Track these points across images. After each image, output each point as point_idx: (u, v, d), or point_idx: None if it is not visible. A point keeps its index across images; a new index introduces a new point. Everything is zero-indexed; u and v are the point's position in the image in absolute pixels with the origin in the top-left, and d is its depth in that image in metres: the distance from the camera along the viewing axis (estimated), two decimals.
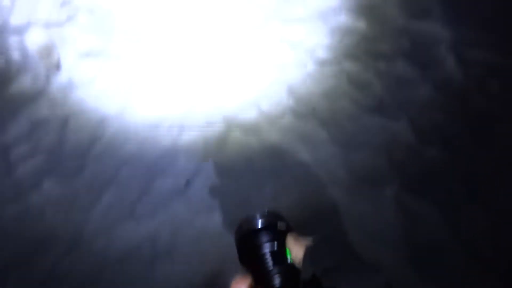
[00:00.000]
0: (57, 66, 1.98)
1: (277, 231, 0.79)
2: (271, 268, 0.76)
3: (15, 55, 2.01)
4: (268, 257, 0.76)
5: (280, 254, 0.77)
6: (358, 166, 1.74)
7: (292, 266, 0.76)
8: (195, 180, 1.71)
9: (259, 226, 0.83)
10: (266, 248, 0.77)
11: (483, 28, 2.02)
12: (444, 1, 2.11)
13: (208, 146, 1.81)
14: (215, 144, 1.80)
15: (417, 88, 1.87)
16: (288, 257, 0.76)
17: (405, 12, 2.10)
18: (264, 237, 0.78)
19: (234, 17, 2.15)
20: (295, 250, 0.77)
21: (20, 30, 2.06)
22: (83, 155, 1.74)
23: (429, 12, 2.08)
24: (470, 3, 2.11)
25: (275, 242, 0.78)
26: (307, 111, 1.87)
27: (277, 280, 0.73)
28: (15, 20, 2.10)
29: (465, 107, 1.81)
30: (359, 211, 1.65)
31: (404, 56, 1.96)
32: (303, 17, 2.13)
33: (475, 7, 2.10)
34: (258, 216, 0.83)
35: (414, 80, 1.90)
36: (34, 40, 2.04)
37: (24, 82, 1.94)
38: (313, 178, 1.74)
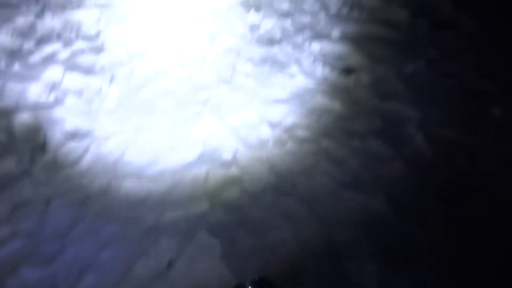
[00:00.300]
0: (43, 147, 2.02)
1: None
2: None
3: (1, 136, 2.04)
4: None
5: None
6: (339, 242, 1.77)
7: None
8: (178, 261, 1.69)
9: None
10: None
11: (447, 108, 2.20)
12: (410, 84, 2.31)
13: (191, 225, 1.82)
14: (197, 222, 1.81)
15: (390, 165, 1.97)
16: None
17: (375, 93, 2.27)
18: None
19: (216, 97, 2.28)
20: None
21: (8, 113, 2.12)
22: (64, 237, 1.72)
23: (396, 94, 2.26)
24: (433, 85, 2.31)
25: None
26: (288, 188, 1.93)
27: None
28: (3, 103, 2.16)
29: (435, 182, 1.90)
30: None
31: (377, 134, 2.09)
32: (282, 98, 2.27)
33: (438, 88, 2.30)
34: (248, 283, 0.84)
35: (386, 157, 2.00)
36: (21, 122, 2.10)
37: (8, 163, 1.95)
38: (294, 254, 1.75)
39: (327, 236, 1.77)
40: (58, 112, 2.16)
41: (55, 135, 2.07)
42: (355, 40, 2.57)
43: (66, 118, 2.14)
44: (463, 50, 2.51)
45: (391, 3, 2.81)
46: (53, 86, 2.27)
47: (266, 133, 2.12)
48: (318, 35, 2.63)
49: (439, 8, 2.78)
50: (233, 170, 1.97)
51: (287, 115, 2.20)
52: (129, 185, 1.94)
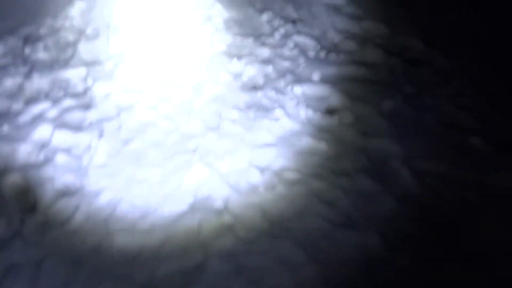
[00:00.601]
0: (33, 207, 2.01)
1: None
2: None
3: None
4: None
5: None
6: (336, 283, 1.77)
7: None
8: None
9: None
10: None
11: (428, 141, 2.28)
12: (390, 120, 2.39)
13: (186, 278, 1.80)
14: (193, 275, 1.80)
15: (380, 201, 2.01)
16: None
17: (358, 132, 2.35)
18: None
19: (204, 146, 2.32)
20: None
21: None
22: None
23: (379, 131, 2.34)
24: (413, 120, 2.40)
25: None
26: (282, 232, 1.94)
27: None
28: None
29: (425, 215, 1.94)
30: None
31: (364, 172, 2.14)
32: (269, 142, 2.33)
33: (418, 123, 2.39)
34: None
35: (376, 194, 2.04)
36: (10, 183, 2.09)
37: None
38: None
39: (324, 279, 1.77)
40: (48, 171, 2.17)
41: (45, 194, 2.07)
42: (334, 82, 2.68)
43: (56, 177, 2.14)
44: (437, 85, 2.64)
45: (366, 44, 2.96)
46: (42, 145, 2.28)
47: (256, 178, 2.15)
48: (299, 79, 2.73)
49: (411, 46, 2.94)
50: (226, 218, 1.98)
51: (275, 158, 2.24)
52: (121, 241, 1.92)
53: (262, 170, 2.18)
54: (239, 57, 2.91)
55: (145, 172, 2.19)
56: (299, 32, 3.13)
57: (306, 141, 2.32)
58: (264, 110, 2.53)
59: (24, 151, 2.24)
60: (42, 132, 2.34)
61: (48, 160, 2.22)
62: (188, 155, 2.27)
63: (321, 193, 2.07)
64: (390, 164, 2.17)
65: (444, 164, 2.13)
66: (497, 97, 2.48)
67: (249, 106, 2.55)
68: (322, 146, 2.30)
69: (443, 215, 1.93)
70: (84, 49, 2.95)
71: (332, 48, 2.96)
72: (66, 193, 2.09)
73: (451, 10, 3.20)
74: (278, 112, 2.50)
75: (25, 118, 2.43)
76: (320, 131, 2.38)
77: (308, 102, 2.56)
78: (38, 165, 2.20)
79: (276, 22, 3.23)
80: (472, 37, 2.96)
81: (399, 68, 2.78)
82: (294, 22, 3.25)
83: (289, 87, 2.68)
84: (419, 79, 2.67)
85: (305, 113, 2.49)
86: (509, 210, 1.91)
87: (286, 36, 3.10)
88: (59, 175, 2.16)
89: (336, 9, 3.33)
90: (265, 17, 3.27)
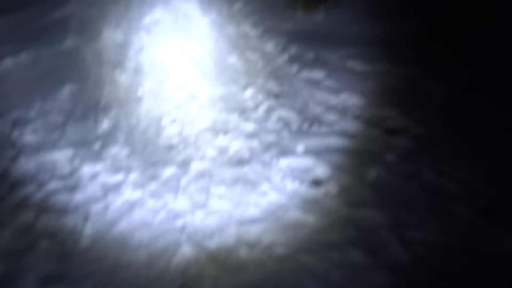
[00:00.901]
0: None
1: None
2: None
3: None
4: None
5: None
6: None
7: None
8: None
9: None
10: None
11: (414, 209, 2.31)
12: (375, 189, 2.44)
13: None
14: None
15: (371, 274, 1.99)
16: None
17: (345, 203, 2.37)
18: None
19: (192, 224, 2.30)
20: None
21: None
22: None
23: (365, 201, 2.37)
24: (397, 189, 2.45)
25: None
26: None
27: None
28: None
29: (417, 287, 1.92)
30: None
31: (353, 244, 2.13)
32: (256, 217, 2.33)
33: (402, 191, 2.43)
34: None
35: (366, 266, 2.02)
36: None
37: None
38: None
39: None
40: (30, 258, 2.10)
41: (27, 283, 1.98)
42: (318, 153, 2.76)
43: (38, 264, 2.07)
44: (417, 152, 2.72)
45: (345, 116, 3.09)
46: (26, 231, 2.24)
47: (245, 255, 2.12)
48: (284, 152, 2.80)
49: (388, 116, 3.08)
50: None
51: (264, 233, 2.23)
52: None
53: (251, 246, 2.16)
54: (225, 132, 3.00)
55: (131, 255, 2.14)
56: (282, 106, 3.27)
57: (294, 214, 2.33)
58: (250, 184, 2.55)
59: (6, 238, 2.19)
60: (26, 217, 2.31)
61: (30, 246, 2.16)
62: (175, 234, 2.25)
63: (311, 267, 2.04)
64: (379, 234, 2.17)
65: (431, 232, 2.14)
66: (476, 162, 2.56)
67: (235, 181, 2.58)
68: (309, 218, 2.30)
69: (433, 285, 1.91)
70: (72, 130, 3.01)
71: (313, 121, 3.08)
72: (48, 281, 2.01)
73: (423, 82, 3.40)
74: (265, 185, 2.53)
75: (9, 203, 2.40)
76: (307, 203, 2.40)
77: (294, 174, 2.61)
78: (20, 252, 2.13)
79: (260, 97, 3.37)
80: (445, 107, 3.12)
81: (379, 138, 2.88)
82: (276, 96, 3.40)
83: (275, 160, 2.73)
84: (399, 147, 2.77)
85: (291, 185, 2.52)
86: (498, 276, 1.90)
87: (269, 110, 3.22)
88: (41, 262, 2.09)
89: (315, 83, 3.52)
90: (248, 92, 3.43)
